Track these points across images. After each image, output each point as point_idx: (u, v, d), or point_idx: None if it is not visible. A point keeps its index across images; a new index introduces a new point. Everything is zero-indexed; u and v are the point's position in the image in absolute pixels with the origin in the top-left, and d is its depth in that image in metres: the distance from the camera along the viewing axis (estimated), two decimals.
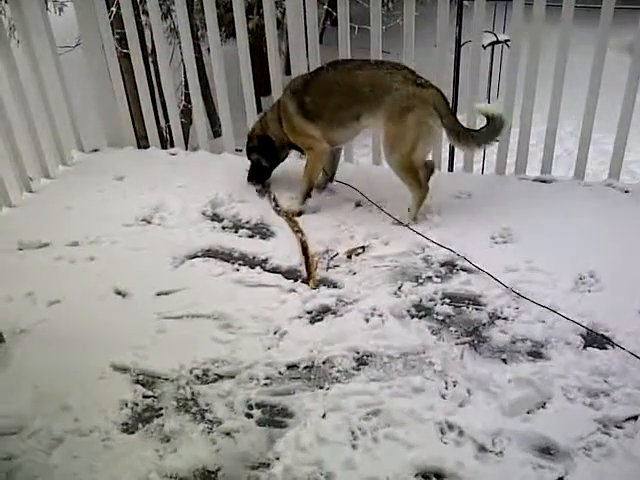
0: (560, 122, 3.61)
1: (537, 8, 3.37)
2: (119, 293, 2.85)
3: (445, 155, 5.63)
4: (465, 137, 3.12)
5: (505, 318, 2.63)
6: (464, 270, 2.92)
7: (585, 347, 2.45)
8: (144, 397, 2.35)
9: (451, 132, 3.12)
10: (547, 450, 2.07)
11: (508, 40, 4.92)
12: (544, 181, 3.58)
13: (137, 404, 2.32)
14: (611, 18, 3.29)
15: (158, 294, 2.84)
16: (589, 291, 2.74)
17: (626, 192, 3.43)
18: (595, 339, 2.49)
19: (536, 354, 2.44)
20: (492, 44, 6.74)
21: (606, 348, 2.44)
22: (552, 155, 3.67)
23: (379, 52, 3.70)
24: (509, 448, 2.08)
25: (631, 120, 3.46)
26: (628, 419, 2.14)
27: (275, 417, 2.26)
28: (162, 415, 2.29)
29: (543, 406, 2.22)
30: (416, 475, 2.02)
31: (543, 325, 2.55)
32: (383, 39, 3.69)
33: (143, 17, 6.33)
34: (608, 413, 2.17)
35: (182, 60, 4.10)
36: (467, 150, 3.29)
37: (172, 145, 4.38)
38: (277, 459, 2.10)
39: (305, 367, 2.45)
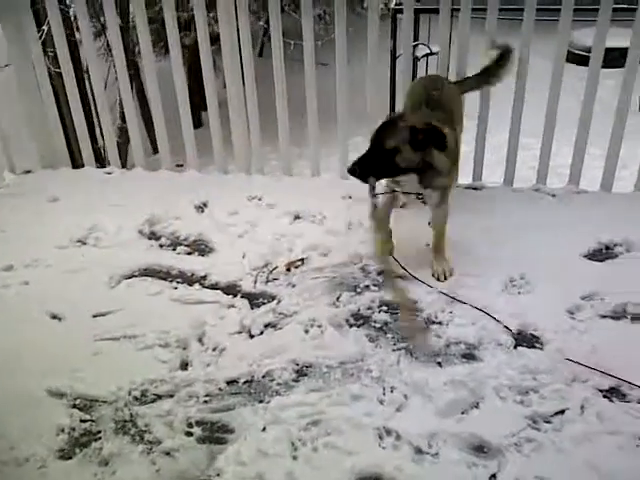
0: (492, 129, 3.74)
1: (462, 18, 3.50)
2: (54, 317, 2.81)
3: None
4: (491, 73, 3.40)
5: (440, 322, 2.70)
6: (401, 277, 2.99)
7: (515, 347, 2.54)
8: (81, 421, 2.32)
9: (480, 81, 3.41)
10: (481, 448, 2.14)
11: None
12: (475, 188, 3.69)
13: (74, 429, 2.29)
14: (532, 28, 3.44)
15: (94, 316, 2.81)
16: (519, 293, 2.84)
17: (553, 196, 3.57)
18: (525, 339, 2.58)
19: (469, 356, 2.52)
20: (426, 55, 6.93)
21: (535, 347, 2.54)
22: (482, 162, 3.79)
23: (312, 66, 3.76)
24: (444, 449, 2.13)
25: (555, 125, 3.61)
26: (556, 414, 2.23)
27: (215, 434, 2.26)
28: (100, 438, 2.26)
29: (476, 406, 2.29)
30: None
31: (476, 327, 2.63)
32: (322, 52, 3.74)
33: (77, 35, 6.26)
34: (537, 409, 2.25)
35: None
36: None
37: (109, 164, 4.33)
38: (218, 475, 2.10)
39: (245, 382, 2.46)
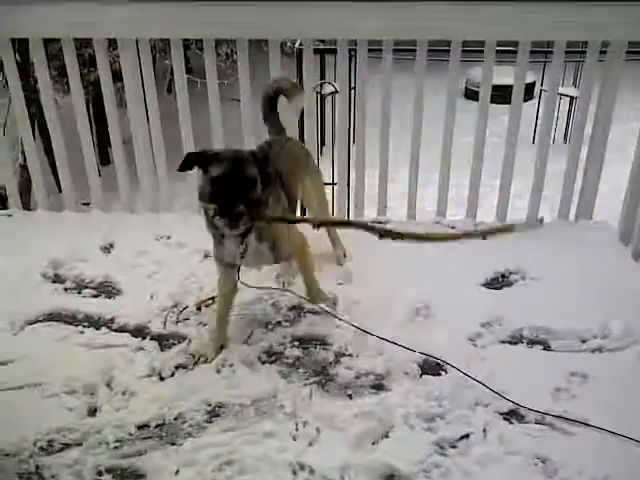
0: (395, 165, 3.92)
1: (359, 60, 3.68)
2: None
3: None
4: None
5: (350, 355, 2.77)
6: (311, 312, 3.05)
7: (421, 375, 2.64)
8: None
9: None
10: (391, 477, 2.20)
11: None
12: (380, 222, 3.82)
13: None
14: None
15: None
16: (424, 322, 2.95)
17: (452, 228, 3.76)
18: (430, 367, 2.69)
19: (378, 386, 2.59)
20: (332, 94, 7.16)
21: (440, 374, 2.65)
22: (386, 198, 3.94)
23: (217, 103, 3.81)
24: None
25: (450, 160, 3.82)
26: (461, 438, 2.33)
27: None
28: None
29: (386, 435, 2.35)
30: None
31: (383, 358, 2.71)
32: (233, 89, 3.79)
33: None
34: (443, 435, 2.34)
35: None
36: None
37: (8, 207, 4.19)
38: None
39: (156, 425, 2.43)
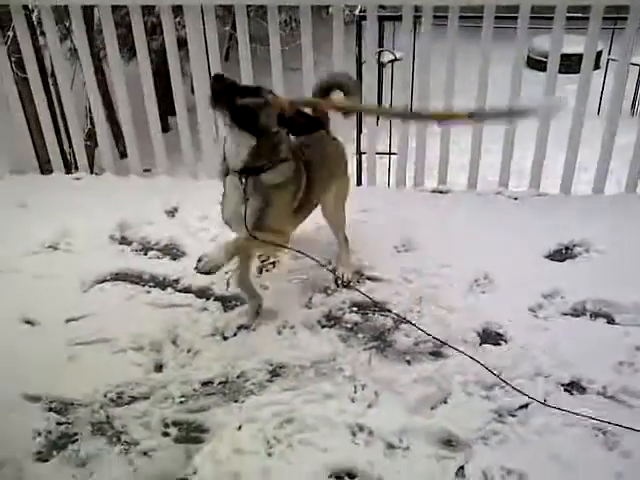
0: (456, 136, 3.86)
1: (425, 25, 3.61)
2: (27, 322, 2.82)
3: (352, 170, 5.85)
4: None
5: (408, 322, 2.79)
6: (370, 279, 3.07)
7: (481, 344, 2.64)
8: (57, 424, 2.35)
9: None
10: (449, 442, 2.23)
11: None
12: (441, 192, 3.80)
13: (50, 432, 2.32)
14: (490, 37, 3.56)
15: (68, 320, 2.82)
16: (483, 292, 2.95)
17: (515, 199, 3.70)
18: (489, 336, 2.69)
19: (437, 353, 2.61)
20: (391, 62, 7.06)
21: (499, 344, 2.64)
22: (447, 166, 3.90)
23: (280, 69, 3.83)
24: (415, 443, 2.22)
25: (515, 130, 3.74)
26: (520, 407, 2.33)
27: (191, 433, 2.31)
28: (77, 440, 2.29)
29: (445, 402, 2.38)
30: (330, 476, 2.13)
31: (442, 326, 2.72)
32: (288, 57, 3.79)
33: (41, 39, 6.21)
34: (502, 403, 2.35)
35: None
36: None
37: (77, 169, 4.33)
38: (194, 473, 2.15)
39: (219, 382, 2.52)
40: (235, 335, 2.75)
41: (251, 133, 2.46)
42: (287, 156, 2.59)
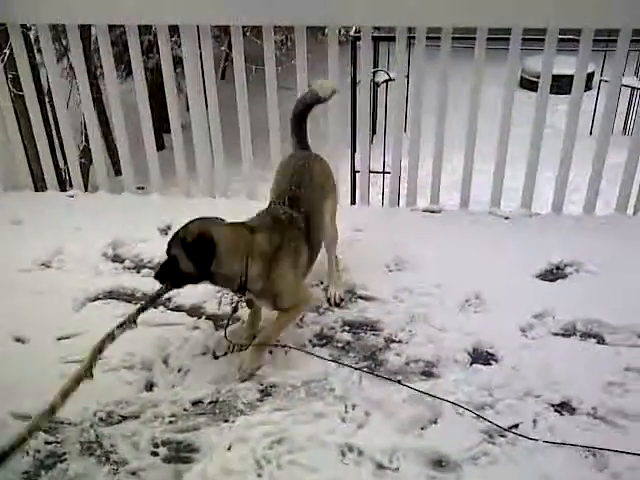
0: (447, 155, 3.89)
1: (418, 46, 3.65)
2: (18, 340, 2.82)
3: (347, 188, 5.90)
4: None
5: (400, 341, 2.79)
6: (362, 298, 3.08)
7: (472, 364, 2.64)
8: (46, 443, 2.34)
9: None
10: (439, 462, 2.23)
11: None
12: (433, 211, 3.82)
13: (39, 451, 2.31)
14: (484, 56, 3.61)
15: (59, 339, 2.82)
16: (475, 312, 2.96)
17: (506, 218, 3.73)
18: (480, 356, 2.69)
19: (428, 373, 2.61)
20: (386, 82, 7.13)
21: (490, 364, 2.65)
22: (439, 186, 3.93)
23: (275, 89, 3.86)
24: (405, 463, 2.21)
25: (507, 150, 3.77)
26: (510, 428, 2.33)
27: (181, 453, 2.30)
28: (66, 460, 2.28)
29: (435, 422, 2.38)
30: None
31: (433, 346, 2.72)
32: (283, 76, 3.83)
33: (38, 57, 6.26)
34: (494, 422, 2.35)
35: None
36: None
37: (71, 186, 4.35)
38: None
39: (210, 402, 2.51)
40: (226, 354, 2.75)
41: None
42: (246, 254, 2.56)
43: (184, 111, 4.08)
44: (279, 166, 3.15)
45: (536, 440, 2.28)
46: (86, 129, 4.48)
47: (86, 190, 4.44)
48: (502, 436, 2.31)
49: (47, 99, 5.66)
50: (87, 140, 4.76)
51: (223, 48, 8.14)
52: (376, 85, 7.21)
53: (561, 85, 4.87)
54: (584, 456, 2.24)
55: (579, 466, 2.21)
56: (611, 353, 2.68)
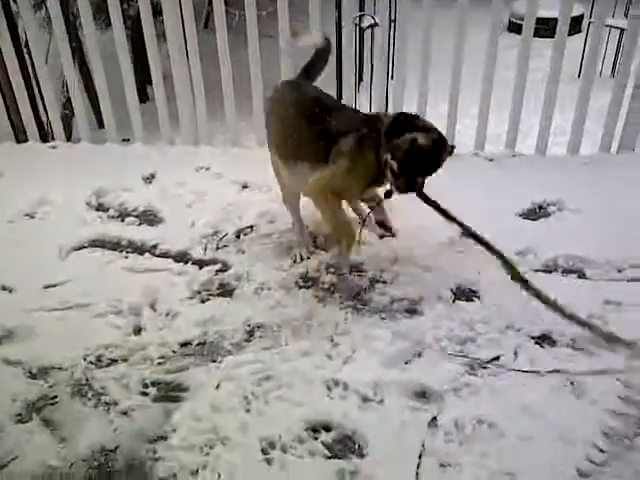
0: (434, 100, 3.87)
1: None
2: (4, 288, 2.83)
3: None
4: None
5: (384, 282, 2.83)
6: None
7: (454, 301, 2.69)
8: (37, 387, 2.37)
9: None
10: (422, 394, 2.28)
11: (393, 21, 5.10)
12: None
13: (30, 395, 2.34)
14: None
15: (46, 287, 2.84)
16: (458, 251, 2.98)
17: (490, 160, 3.74)
18: (463, 293, 2.74)
19: (412, 311, 2.66)
20: (372, 26, 7.00)
21: (473, 300, 2.69)
22: None
23: (256, 36, 3.80)
24: (389, 396, 2.27)
25: (491, 93, 3.76)
26: (491, 360, 2.39)
27: (170, 393, 2.34)
28: (57, 403, 2.32)
29: (419, 356, 2.43)
30: (306, 429, 2.17)
31: (417, 285, 2.76)
32: (267, 24, 3.77)
33: (14, 6, 6.08)
34: (474, 357, 2.40)
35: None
36: None
37: (54, 139, 4.30)
38: (174, 431, 2.18)
39: (198, 344, 2.55)
40: (213, 298, 2.77)
41: None
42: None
43: (167, 60, 4.01)
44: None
45: (517, 370, 2.33)
46: (65, 80, 4.42)
47: (69, 142, 4.40)
48: (484, 368, 2.36)
49: (26, 50, 5.53)
50: (69, 92, 4.70)
51: None
52: (362, 30, 7.08)
53: (549, 28, 4.82)
54: (563, 385, 2.29)
55: (558, 394, 2.27)
56: (591, 287, 2.73)
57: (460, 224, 2.66)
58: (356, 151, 2.67)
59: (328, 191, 2.74)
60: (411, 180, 2.59)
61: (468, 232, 2.67)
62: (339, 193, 2.77)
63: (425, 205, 2.67)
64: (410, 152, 2.51)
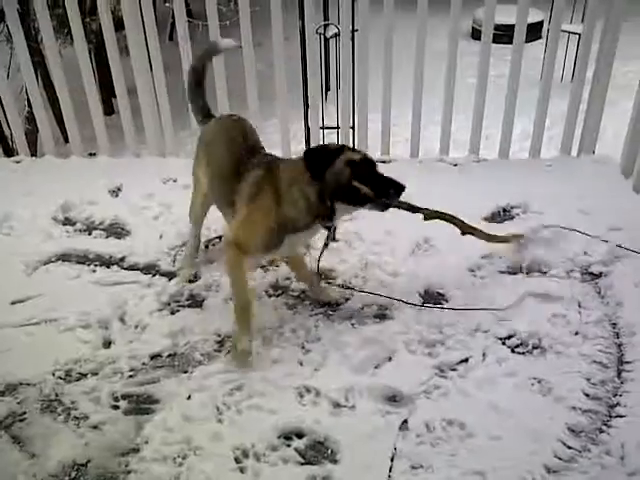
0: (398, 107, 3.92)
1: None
2: None
3: (302, 146, 5.88)
4: None
5: (354, 287, 2.85)
6: (316, 249, 3.11)
7: (423, 305, 2.72)
8: (6, 404, 2.34)
9: None
10: (393, 398, 2.31)
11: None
12: (384, 161, 3.85)
13: None
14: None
15: (13, 303, 2.81)
16: (425, 256, 3.03)
17: (455, 165, 3.80)
18: (432, 297, 2.78)
19: (381, 316, 2.69)
20: (335, 35, 7.06)
21: (441, 303, 2.73)
22: (389, 137, 3.97)
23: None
24: (360, 401, 2.29)
25: (453, 100, 3.83)
26: (460, 362, 2.43)
27: (141, 405, 2.33)
28: (26, 419, 2.29)
29: (389, 360, 2.46)
30: (279, 437, 2.18)
31: (386, 290, 2.79)
32: (233, 33, 3.78)
33: None
34: (444, 359, 2.44)
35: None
36: None
37: (18, 154, 4.25)
38: (146, 443, 2.18)
39: (168, 355, 2.54)
40: (183, 309, 2.77)
41: None
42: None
43: (130, 74, 4.00)
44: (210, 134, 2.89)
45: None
46: (28, 95, 4.38)
47: (34, 157, 4.35)
48: (453, 370, 2.40)
49: None
50: (30, 106, 4.66)
51: (168, 4, 7.89)
52: (327, 39, 7.13)
53: (512, 35, 4.92)
54: (530, 384, 2.34)
55: (525, 393, 2.31)
56: (554, 287, 2.78)
57: (419, 208, 2.74)
58: (259, 189, 2.46)
59: (233, 242, 2.46)
60: (385, 191, 2.49)
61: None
62: (243, 244, 2.44)
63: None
64: (360, 167, 2.44)
